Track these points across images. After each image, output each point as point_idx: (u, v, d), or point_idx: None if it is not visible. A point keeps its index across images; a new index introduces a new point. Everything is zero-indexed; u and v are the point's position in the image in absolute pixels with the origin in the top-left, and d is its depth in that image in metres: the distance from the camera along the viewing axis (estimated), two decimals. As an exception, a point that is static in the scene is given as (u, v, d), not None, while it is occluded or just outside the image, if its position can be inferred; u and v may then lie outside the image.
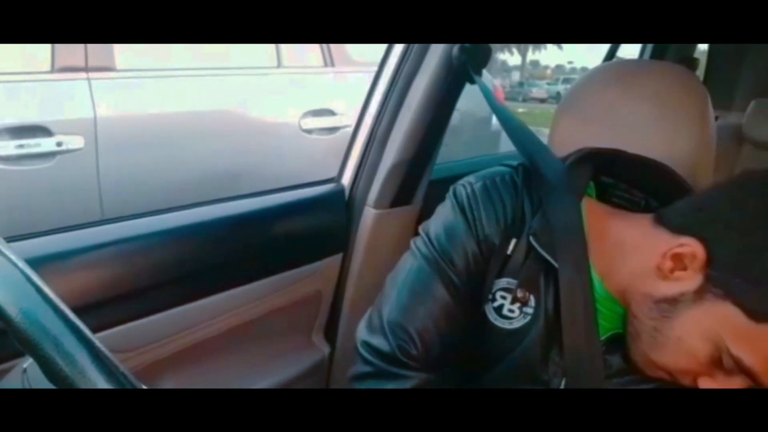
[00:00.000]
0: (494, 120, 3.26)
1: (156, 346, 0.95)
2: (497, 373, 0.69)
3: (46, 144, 1.89)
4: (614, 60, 1.90)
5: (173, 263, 0.96)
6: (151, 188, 2.03)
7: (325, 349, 1.26)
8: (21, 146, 1.85)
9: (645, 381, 0.64)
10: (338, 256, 1.21)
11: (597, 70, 0.98)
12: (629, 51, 2.65)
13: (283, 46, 2.51)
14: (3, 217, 1.68)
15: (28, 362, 0.46)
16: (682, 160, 0.87)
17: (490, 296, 0.69)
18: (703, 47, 2.45)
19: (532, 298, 0.67)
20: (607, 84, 0.94)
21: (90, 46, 2.00)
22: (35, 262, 0.50)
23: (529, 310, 0.67)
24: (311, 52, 2.60)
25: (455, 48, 1.03)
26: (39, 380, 0.39)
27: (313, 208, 1.17)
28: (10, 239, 0.62)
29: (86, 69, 2.01)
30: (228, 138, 2.34)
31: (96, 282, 0.87)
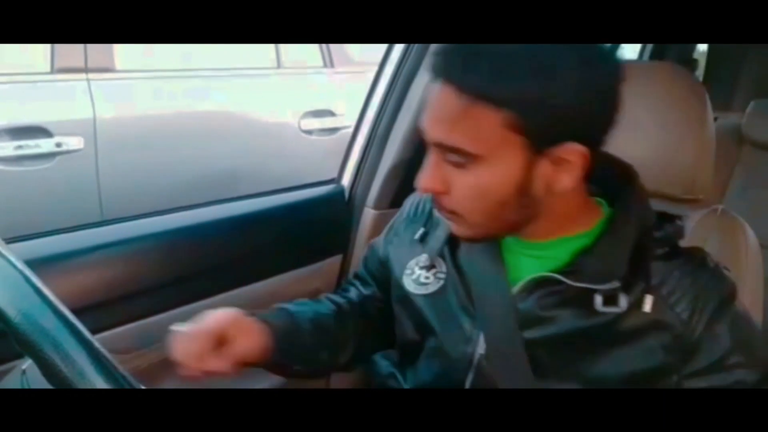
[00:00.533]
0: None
1: (156, 347, 0.95)
2: (434, 334, 0.75)
3: (45, 145, 1.89)
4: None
5: (173, 264, 0.96)
6: (151, 188, 2.03)
7: (325, 350, 1.26)
8: (20, 147, 1.85)
9: (559, 336, 0.66)
10: (338, 257, 1.21)
11: (597, 71, 0.98)
12: (629, 51, 2.65)
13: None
14: (2, 218, 1.68)
15: (27, 363, 0.46)
16: (681, 161, 0.87)
17: (408, 270, 0.78)
18: (703, 47, 2.45)
19: (442, 263, 0.75)
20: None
21: (90, 46, 2.00)
22: (34, 264, 0.50)
23: (442, 275, 0.75)
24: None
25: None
26: (38, 381, 0.39)
27: (314, 208, 1.17)
28: (9, 240, 0.61)
29: (86, 70, 2.01)
30: (228, 139, 2.34)
31: (95, 283, 0.87)
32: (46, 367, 0.36)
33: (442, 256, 0.76)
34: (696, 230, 0.90)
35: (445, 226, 0.74)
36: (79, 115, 1.98)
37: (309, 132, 2.58)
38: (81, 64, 2.00)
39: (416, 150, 1.16)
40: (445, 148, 0.61)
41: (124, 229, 0.94)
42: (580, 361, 0.66)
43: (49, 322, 0.40)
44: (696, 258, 0.67)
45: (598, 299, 0.64)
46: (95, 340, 0.41)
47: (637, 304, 0.64)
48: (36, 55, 1.94)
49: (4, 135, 1.84)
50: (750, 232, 0.89)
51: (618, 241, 0.66)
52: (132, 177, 2.05)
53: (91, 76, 2.02)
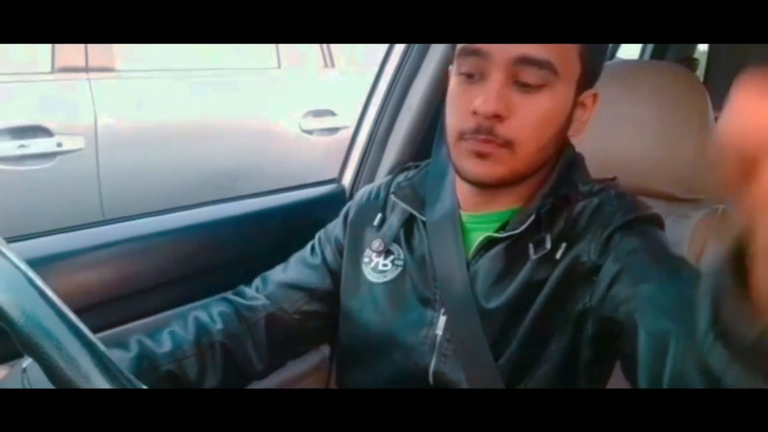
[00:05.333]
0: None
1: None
2: (393, 323, 0.74)
3: (46, 144, 1.89)
4: (614, 60, 1.90)
5: (174, 264, 0.96)
6: (151, 188, 2.03)
7: (325, 350, 1.26)
8: (21, 146, 1.85)
9: (510, 300, 0.67)
10: (338, 257, 1.21)
11: (597, 71, 0.98)
12: (629, 51, 2.65)
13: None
14: (3, 217, 1.68)
15: (27, 362, 0.46)
16: (682, 161, 0.87)
17: (366, 258, 0.78)
18: (703, 47, 2.45)
19: (399, 249, 0.76)
20: (607, 84, 0.94)
21: (90, 45, 2.00)
22: (36, 263, 0.50)
23: (399, 261, 0.76)
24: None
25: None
26: (39, 380, 0.39)
27: (314, 208, 1.17)
28: (10, 240, 0.62)
29: (86, 69, 2.01)
30: (229, 138, 2.34)
31: (97, 283, 0.87)
32: (47, 366, 0.36)
33: (398, 241, 0.76)
34: (697, 230, 0.90)
35: (401, 212, 0.77)
36: (79, 114, 1.98)
37: (309, 132, 2.58)
38: (81, 63, 2.00)
39: (416, 150, 1.16)
40: (530, 65, 0.61)
41: (124, 228, 0.94)
42: (529, 320, 0.66)
43: (51, 321, 0.40)
44: (611, 193, 0.69)
45: (531, 248, 0.67)
46: (97, 339, 0.41)
47: (556, 249, 0.66)
48: (36, 54, 1.94)
49: (5, 135, 1.84)
50: (750, 232, 0.89)
51: (544, 196, 0.68)
52: (133, 176, 2.05)
53: (91, 75, 2.02)
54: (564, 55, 0.62)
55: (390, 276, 0.76)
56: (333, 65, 2.65)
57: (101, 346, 0.41)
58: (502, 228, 0.69)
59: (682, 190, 0.89)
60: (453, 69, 0.68)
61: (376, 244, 0.78)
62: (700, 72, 2.26)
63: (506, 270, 0.68)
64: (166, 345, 0.71)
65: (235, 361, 0.76)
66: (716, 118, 1.45)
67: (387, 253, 0.77)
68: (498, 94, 0.62)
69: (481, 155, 0.65)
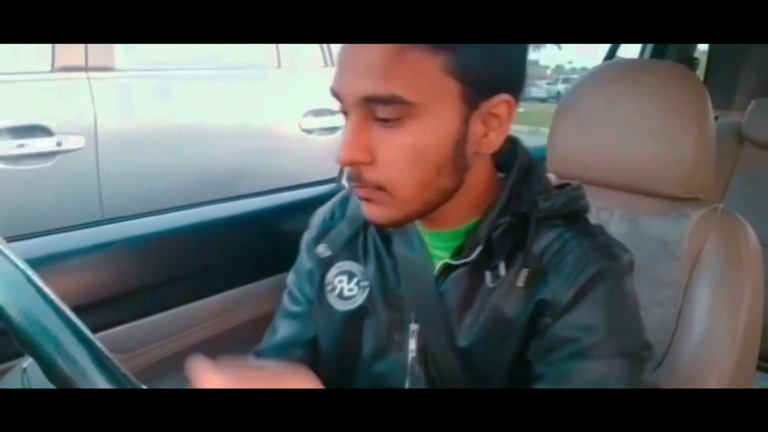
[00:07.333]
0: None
1: (157, 346, 0.95)
2: (370, 345, 0.70)
3: (46, 144, 1.89)
4: (614, 60, 1.90)
5: (174, 263, 0.96)
6: (151, 187, 2.03)
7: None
8: (21, 146, 1.85)
9: (479, 324, 0.63)
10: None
11: (597, 70, 0.98)
12: (629, 51, 2.65)
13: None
14: (3, 217, 1.68)
15: (28, 362, 0.46)
16: (682, 160, 0.87)
17: (329, 286, 0.73)
18: (703, 47, 2.44)
19: (360, 270, 0.71)
20: (607, 83, 0.94)
21: (90, 45, 2.00)
22: (35, 262, 0.50)
23: (365, 283, 0.70)
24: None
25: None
26: (39, 380, 0.39)
27: (314, 208, 1.17)
28: (10, 239, 0.62)
29: (86, 69, 2.01)
30: (229, 138, 2.34)
31: (96, 282, 0.87)
32: (47, 366, 0.36)
33: (359, 261, 0.71)
34: (696, 229, 0.90)
35: (362, 230, 0.71)
36: (79, 114, 1.98)
37: (309, 131, 2.58)
38: (81, 62, 2.00)
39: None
40: (376, 103, 0.54)
41: (124, 228, 0.94)
42: (494, 347, 0.63)
43: (51, 321, 0.40)
44: (583, 230, 0.64)
45: (488, 276, 0.62)
46: (96, 339, 0.41)
47: (515, 277, 0.61)
48: (36, 54, 1.94)
49: (5, 134, 1.84)
50: (750, 231, 0.89)
51: (497, 216, 0.62)
52: (132, 176, 2.05)
53: (91, 74, 2.02)
54: (420, 82, 0.54)
55: (359, 301, 0.70)
56: (333, 65, 2.64)
57: (101, 346, 0.41)
58: (459, 251, 0.64)
59: (682, 189, 0.89)
60: None
61: (336, 269, 0.72)
62: (700, 72, 2.26)
63: (470, 296, 0.64)
64: None
65: None
66: (716, 118, 1.45)
67: (350, 276, 0.71)
68: (355, 139, 0.56)
69: (363, 199, 0.60)
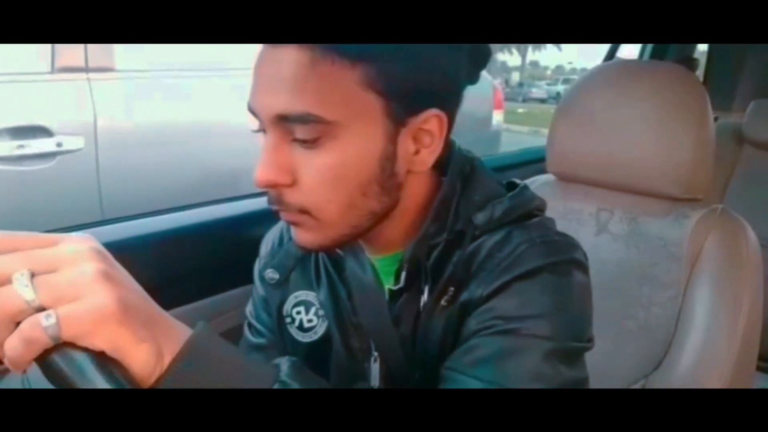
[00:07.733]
0: (494, 120, 3.26)
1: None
2: (335, 376, 0.67)
3: (45, 144, 1.89)
4: (614, 60, 1.90)
5: (174, 263, 0.96)
6: (151, 188, 2.03)
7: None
8: (21, 146, 1.85)
9: (432, 347, 0.60)
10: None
11: (597, 71, 0.98)
12: (629, 51, 2.65)
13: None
14: (3, 217, 1.68)
15: (27, 362, 0.46)
16: (681, 160, 0.87)
17: (287, 318, 0.69)
18: (703, 47, 2.45)
19: (315, 297, 0.67)
20: (607, 84, 0.95)
21: (90, 45, 2.00)
22: (35, 263, 0.51)
23: (323, 312, 0.67)
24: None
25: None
26: (39, 380, 0.39)
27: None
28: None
29: (86, 69, 2.01)
30: (229, 138, 2.34)
31: (96, 282, 0.87)
32: (47, 366, 0.36)
33: (313, 289, 0.67)
34: (696, 230, 0.90)
35: (311, 257, 0.67)
36: (79, 114, 1.98)
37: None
38: (81, 63, 2.00)
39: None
40: (291, 122, 0.51)
41: (124, 228, 0.94)
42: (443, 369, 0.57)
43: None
44: (529, 228, 0.59)
45: (422, 299, 0.60)
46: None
47: (440, 296, 0.58)
48: (36, 54, 1.94)
49: (5, 135, 1.84)
50: (750, 232, 0.89)
51: (432, 235, 0.59)
52: (133, 176, 2.05)
53: (91, 75, 2.02)
54: (337, 98, 0.50)
55: (321, 331, 0.67)
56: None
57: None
58: (398, 276, 0.61)
59: (681, 190, 0.89)
60: None
61: (293, 299, 0.69)
62: (700, 72, 2.26)
63: (417, 321, 0.61)
64: None
65: None
66: (716, 119, 1.45)
67: (307, 306, 0.68)
68: (272, 158, 0.53)
69: (290, 223, 0.57)
